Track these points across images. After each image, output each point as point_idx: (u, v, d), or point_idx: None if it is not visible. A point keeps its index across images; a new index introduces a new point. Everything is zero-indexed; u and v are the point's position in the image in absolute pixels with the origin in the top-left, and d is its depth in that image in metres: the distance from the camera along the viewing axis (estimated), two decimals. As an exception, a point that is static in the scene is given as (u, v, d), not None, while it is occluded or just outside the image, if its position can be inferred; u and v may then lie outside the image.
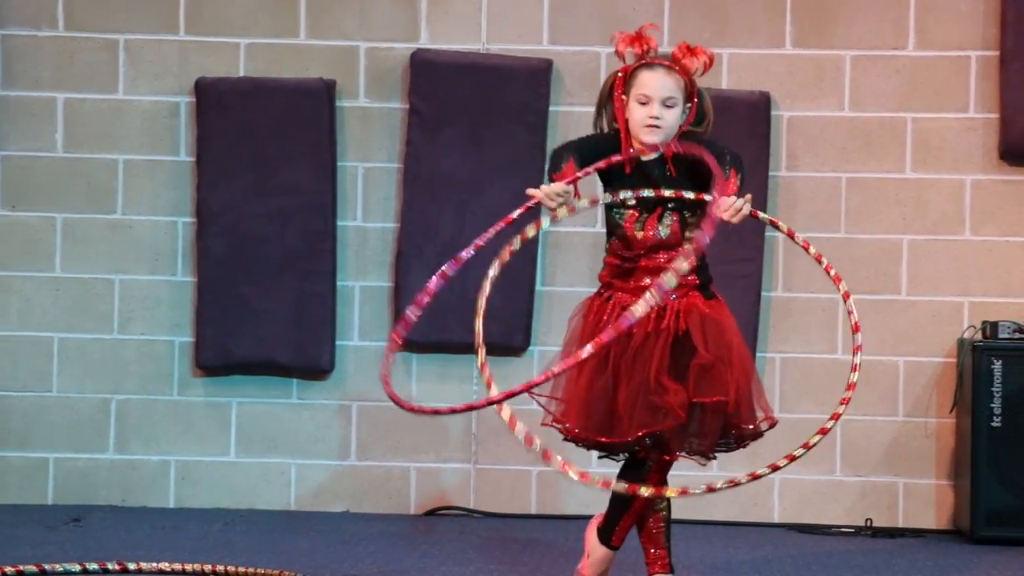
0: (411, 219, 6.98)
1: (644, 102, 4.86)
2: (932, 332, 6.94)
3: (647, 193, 4.86)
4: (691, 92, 4.92)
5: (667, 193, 4.84)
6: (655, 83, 4.87)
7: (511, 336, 6.94)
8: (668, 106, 4.86)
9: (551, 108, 6.97)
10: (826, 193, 6.99)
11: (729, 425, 4.92)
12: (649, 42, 4.91)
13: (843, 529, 6.89)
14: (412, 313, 4.99)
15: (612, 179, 4.95)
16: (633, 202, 4.90)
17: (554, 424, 4.98)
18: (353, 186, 7.07)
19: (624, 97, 4.92)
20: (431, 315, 6.90)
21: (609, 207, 4.95)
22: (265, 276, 6.97)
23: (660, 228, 4.90)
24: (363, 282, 7.06)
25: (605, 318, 4.92)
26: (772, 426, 4.97)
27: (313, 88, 6.98)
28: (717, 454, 5.02)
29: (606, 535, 5.05)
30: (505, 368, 6.87)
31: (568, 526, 6.74)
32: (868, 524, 6.89)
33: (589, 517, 6.80)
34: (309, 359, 6.97)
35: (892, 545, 6.63)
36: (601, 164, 4.86)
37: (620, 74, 4.93)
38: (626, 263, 4.93)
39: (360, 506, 7.05)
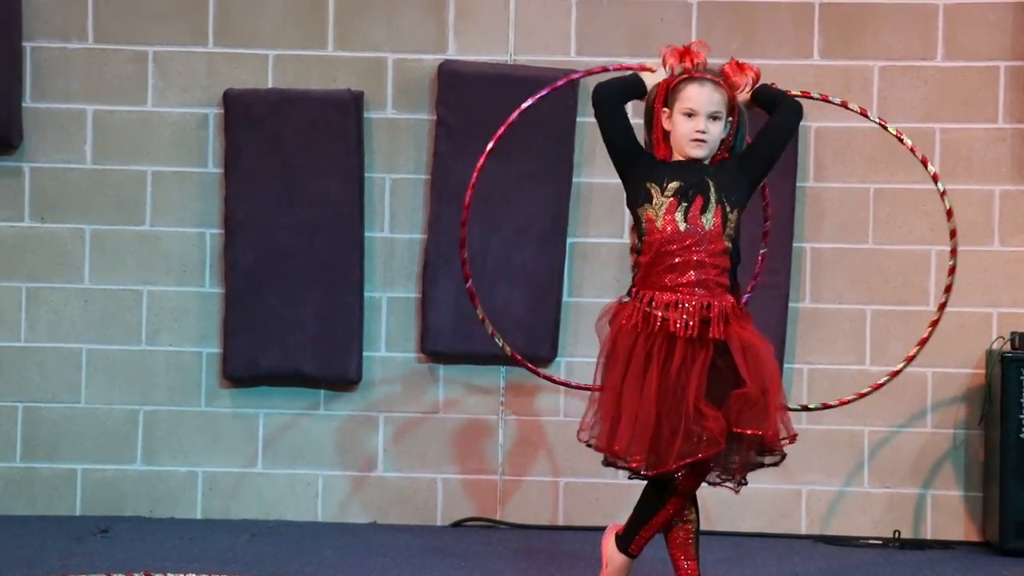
0: (438, 230, 6.98)
1: (690, 115, 4.88)
2: (960, 343, 6.91)
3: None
4: (732, 107, 4.93)
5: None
6: (702, 97, 4.89)
7: (538, 347, 6.94)
8: (714, 119, 4.88)
9: (578, 119, 6.97)
10: (854, 204, 6.97)
11: (763, 451, 4.93)
12: (698, 56, 4.93)
13: (871, 541, 6.87)
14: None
15: (651, 173, 4.94)
16: (676, 187, 4.89)
17: (594, 445, 4.97)
18: (381, 197, 7.08)
19: (666, 109, 4.93)
20: (457, 326, 6.94)
21: (645, 200, 4.92)
22: (293, 287, 6.98)
23: (704, 218, 4.88)
24: (390, 293, 7.07)
25: (640, 322, 4.90)
26: (792, 441, 4.97)
27: (341, 99, 6.99)
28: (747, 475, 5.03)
29: (625, 542, 5.05)
30: (532, 379, 6.87)
31: (595, 537, 6.70)
32: (896, 536, 6.87)
33: (616, 528, 6.77)
34: (336, 370, 6.98)
35: (920, 557, 6.61)
36: None
37: (665, 86, 4.95)
38: (666, 259, 4.90)
39: (387, 517, 7.06)
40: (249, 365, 6.99)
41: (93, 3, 7.08)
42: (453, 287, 6.94)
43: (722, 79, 4.95)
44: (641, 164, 4.96)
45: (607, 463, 4.98)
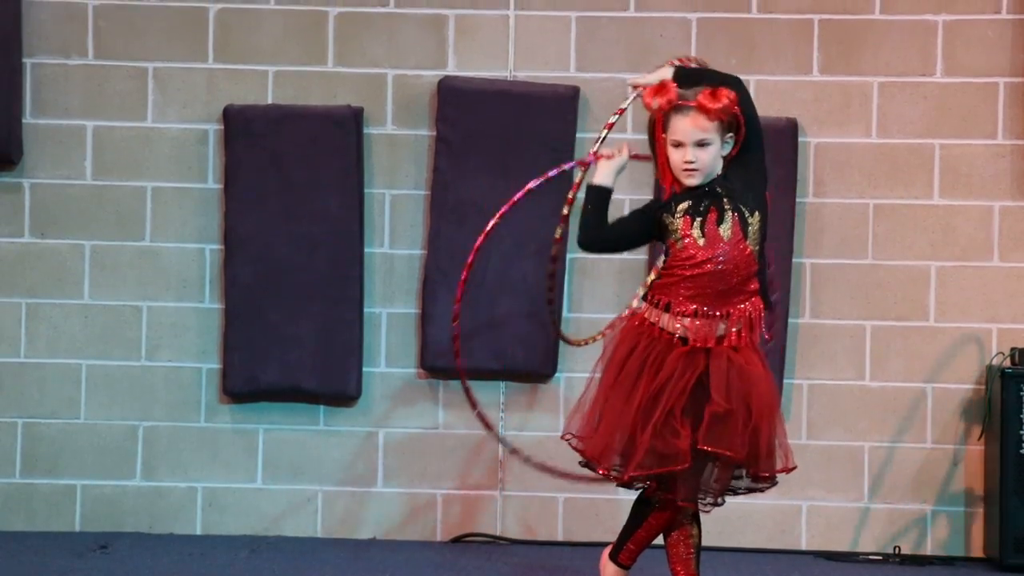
0: (438, 246, 6.98)
1: (678, 146, 4.91)
2: (960, 359, 6.91)
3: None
4: (730, 123, 4.92)
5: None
6: (686, 128, 4.91)
7: (538, 362, 6.94)
8: (702, 146, 4.89)
9: (578, 135, 6.98)
10: (853, 219, 6.98)
11: (747, 472, 4.93)
12: (670, 94, 4.92)
13: (871, 557, 6.86)
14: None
15: (663, 212, 4.97)
16: (685, 208, 4.92)
17: (573, 444, 5.01)
18: (380, 213, 7.09)
19: (664, 135, 4.96)
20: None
21: (667, 233, 4.94)
22: (292, 303, 6.98)
23: (721, 229, 4.89)
24: (390, 308, 7.07)
25: (645, 328, 4.93)
26: (789, 472, 4.98)
27: (341, 115, 7.00)
28: (727, 498, 5.03)
29: (614, 551, 5.10)
30: (532, 394, 6.87)
31: (596, 553, 6.71)
32: (896, 551, 6.86)
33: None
34: (336, 386, 6.97)
35: (920, 573, 6.61)
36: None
37: (660, 117, 4.98)
38: (688, 271, 4.89)
39: (387, 533, 7.05)
40: (249, 381, 6.99)
41: (93, 20, 7.08)
42: (453, 302, 6.93)
43: (701, 110, 4.91)
44: (660, 219, 4.98)
45: (584, 464, 5.04)
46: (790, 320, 6.92)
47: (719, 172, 4.94)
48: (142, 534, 7.02)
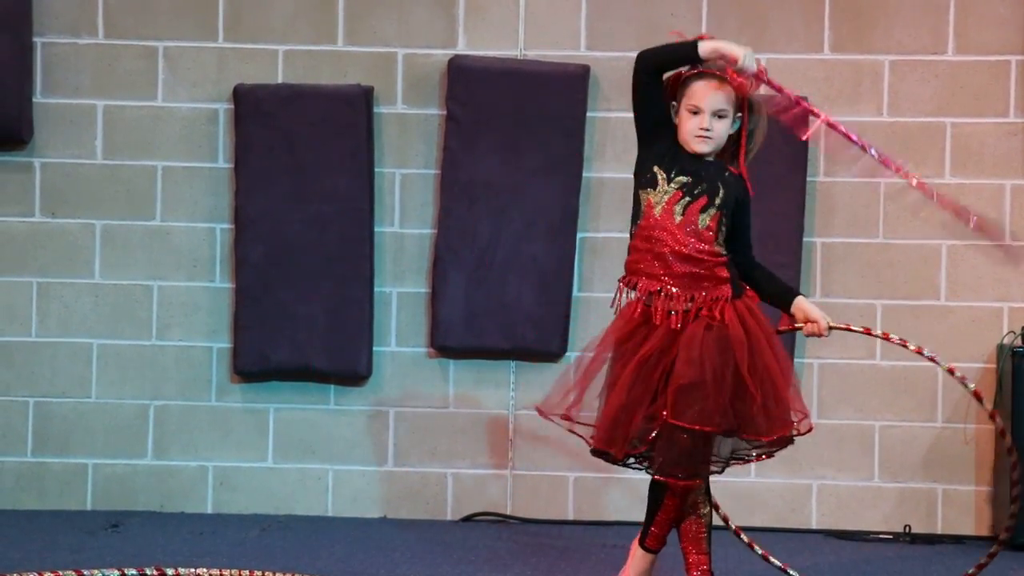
0: (448, 225, 6.98)
1: (695, 112, 4.90)
2: (971, 338, 6.90)
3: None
4: (740, 103, 4.94)
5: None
6: (707, 95, 4.91)
7: (548, 342, 6.94)
8: (720, 117, 4.90)
9: (588, 114, 6.97)
10: (864, 198, 6.96)
11: (742, 436, 4.93)
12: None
13: (881, 535, 6.86)
14: None
15: (664, 157, 4.95)
16: (683, 181, 4.90)
17: (571, 425, 5.05)
18: (391, 192, 7.08)
19: (675, 103, 4.96)
20: (467, 320, 6.95)
21: (648, 184, 4.94)
22: (303, 282, 6.98)
23: (701, 217, 4.90)
24: (400, 288, 7.07)
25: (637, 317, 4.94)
26: (800, 433, 4.97)
27: (351, 94, 6.99)
28: (734, 465, 5.04)
29: (642, 537, 5.07)
30: (542, 374, 6.87)
31: (606, 532, 6.73)
32: (907, 530, 6.86)
33: (626, 523, 6.80)
34: (346, 365, 6.98)
35: (931, 552, 6.60)
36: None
37: (675, 79, 4.99)
38: (655, 246, 4.92)
39: (397, 512, 7.06)
40: (259, 360, 7.00)
41: (103, -2, 7.10)
42: (463, 282, 6.95)
43: (729, 78, 4.94)
44: (663, 141, 4.97)
45: (572, 431, 5.09)
46: (801, 299, 6.91)
47: (723, 146, 4.96)
48: (153, 513, 7.04)
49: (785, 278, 6.73)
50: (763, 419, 4.87)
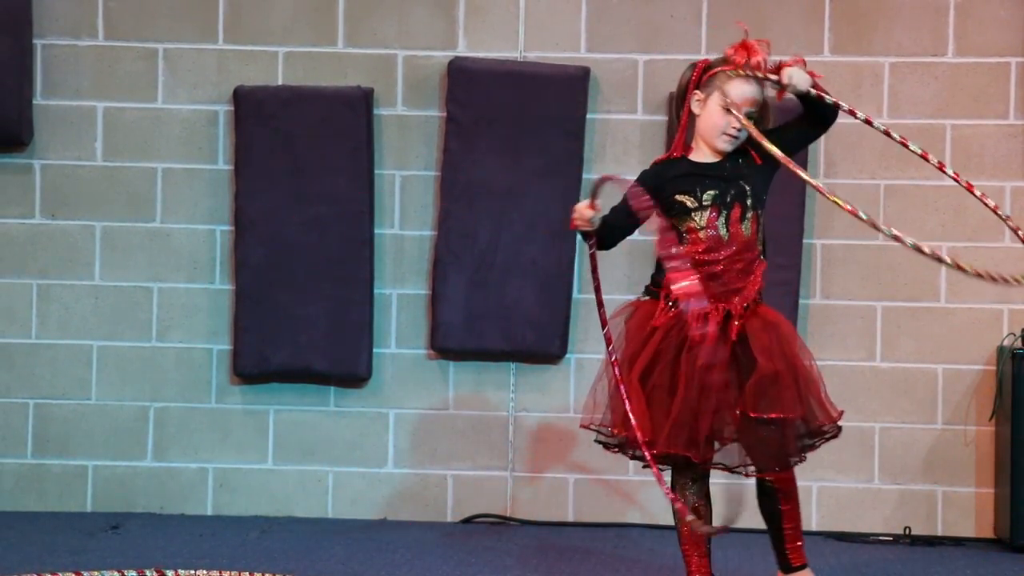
0: (448, 227, 6.98)
1: (729, 110, 4.83)
2: (971, 339, 6.91)
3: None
4: (764, 105, 4.94)
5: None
6: (748, 95, 4.85)
7: (548, 344, 6.94)
8: (748, 118, 4.82)
9: (588, 116, 6.97)
10: (864, 200, 6.96)
11: (809, 427, 4.89)
12: (757, 55, 4.86)
13: (881, 537, 6.86)
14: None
15: (678, 184, 4.90)
16: (713, 195, 4.86)
17: (606, 432, 4.95)
18: (391, 194, 7.08)
19: (698, 92, 4.89)
20: (467, 322, 6.95)
21: (680, 214, 4.89)
22: (303, 284, 6.99)
23: (743, 227, 4.87)
24: (400, 290, 7.07)
25: (666, 322, 4.88)
26: (841, 416, 4.94)
27: (351, 96, 6.99)
28: (794, 461, 4.99)
29: (782, 564, 5.07)
30: (542, 376, 6.87)
31: (605, 534, 6.73)
32: (907, 532, 6.86)
33: (626, 525, 6.80)
34: (346, 367, 6.98)
35: (931, 553, 6.60)
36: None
37: (701, 68, 4.92)
38: (709, 267, 4.86)
39: (397, 514, 7.06)
40: (259, 362, 7.00)
41: (103, 0, 7.08)
42: (463, 283, 6.95)
43: (771, 77, 4.83)
44: (664, 188, 4.91)
45: (612, 447, 4.97)
46: (801, 301, 6.91)
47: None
48: (153, 515, 7.04)
49: (785, 279, 6.79)
50: (819, 407, 4.87)
